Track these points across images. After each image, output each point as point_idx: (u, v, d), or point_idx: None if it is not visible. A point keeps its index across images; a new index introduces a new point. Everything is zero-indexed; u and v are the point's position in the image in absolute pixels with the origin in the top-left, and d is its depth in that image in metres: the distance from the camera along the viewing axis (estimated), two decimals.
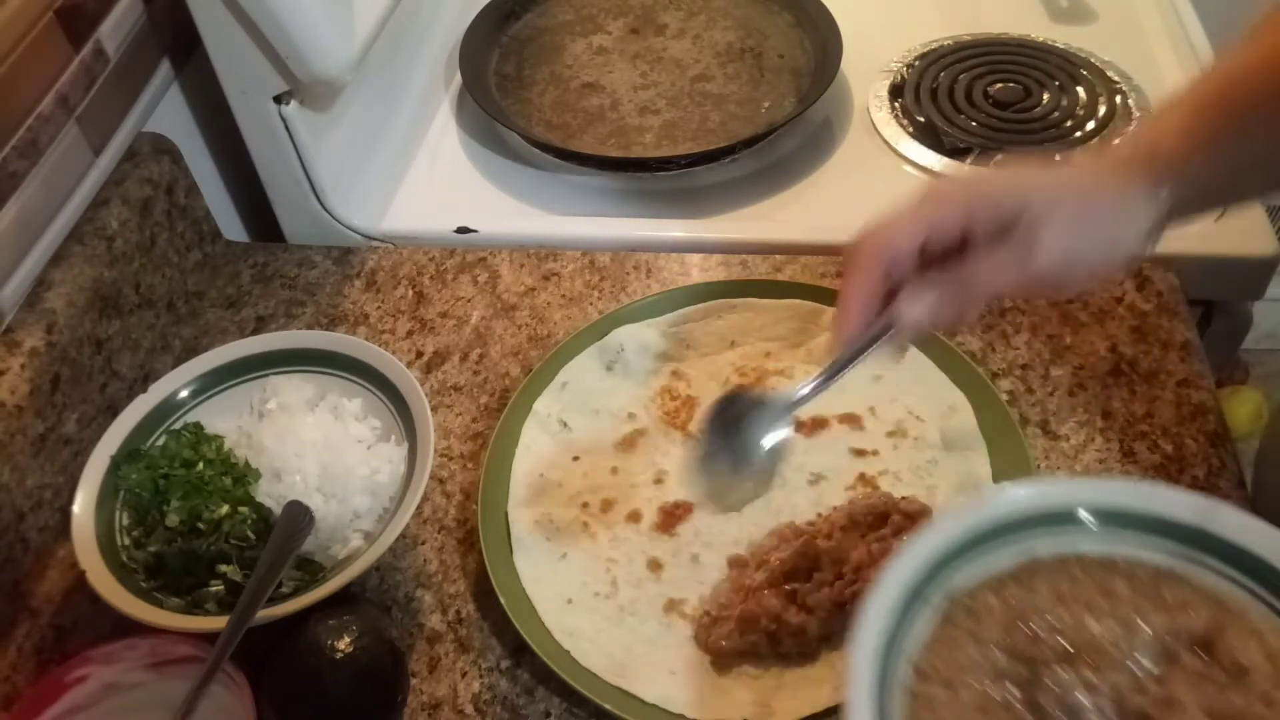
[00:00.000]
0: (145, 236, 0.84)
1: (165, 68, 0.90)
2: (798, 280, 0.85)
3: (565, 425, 0.76)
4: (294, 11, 0.80)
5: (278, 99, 0.86)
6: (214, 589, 0.65)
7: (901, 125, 1.01)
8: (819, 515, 0.69)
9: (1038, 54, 1.06)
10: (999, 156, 0.96)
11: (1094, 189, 0.56)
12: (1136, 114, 0.99)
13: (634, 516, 0.71)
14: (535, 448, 0.75)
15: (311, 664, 0.60)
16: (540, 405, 0.76)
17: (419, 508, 0.69)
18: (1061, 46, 1.07)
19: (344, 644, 0.60)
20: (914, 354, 0.76)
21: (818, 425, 0.74)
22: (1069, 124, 0.99)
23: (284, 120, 0.87)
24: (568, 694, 0.64)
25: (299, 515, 0.65)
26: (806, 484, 0.71)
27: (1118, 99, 1.01)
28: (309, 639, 0.60)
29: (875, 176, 0.97)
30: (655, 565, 0.69)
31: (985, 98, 1.02)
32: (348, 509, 0.68)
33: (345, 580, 0.63)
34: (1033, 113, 1.00)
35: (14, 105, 0.73)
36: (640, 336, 0.80)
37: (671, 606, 0.67)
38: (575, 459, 0.75)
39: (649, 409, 0.77)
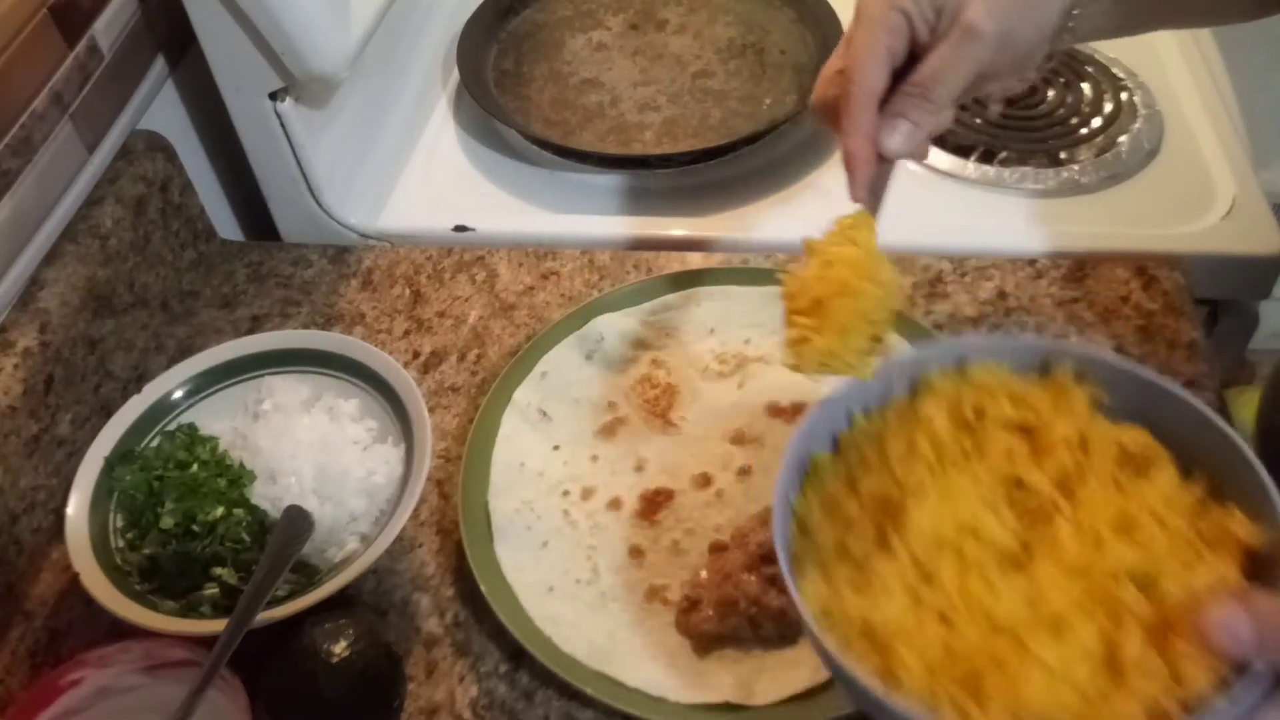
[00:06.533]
0: (139, 235, 0.83)
1: (160, 64, 0.89)
2: (775, 267, 0.84)
3: (545, 414, 0.76)
4: (290, 7, 0.79)
5: (273, 96, 0.85)
6: (209, 592, 0.64)
7: None
8: None
9: None
10: (1003, 154, 0.95)
11: None
12: (1142, 111, 0.98)
13: (615, 504, 0.71)
14: (515, 437, 0.74)
15: (307, 668, 0.59)
16: (520, 395, 0.76)
17: (416, 510, 0.68)
18: None
19: (340, 648, 0.59)
20: (894, 339, 0.75)
21: (797, 411, 0.74)
22: (1074, 121, 0.98)
23: (279, 117, 0.87)
24: (567, 697, 0.63)
25: (298, 520, 0.64)
26: None
27: (1123, 96, 1.00)
28: (305, 643, 0.60)
29: None
30: (636, 552, 0.69)
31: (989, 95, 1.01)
32: (344, 511, 0.67)
33: (341, 583, 0.62)
34: (1037, 110, 0.99)
35: (7, 102, 0.72)
36: (619, 325, 0.80)
37: (653, 593, 0.67)
38: (555, 448, 0.75)
39: (629, 397, 0.77)
